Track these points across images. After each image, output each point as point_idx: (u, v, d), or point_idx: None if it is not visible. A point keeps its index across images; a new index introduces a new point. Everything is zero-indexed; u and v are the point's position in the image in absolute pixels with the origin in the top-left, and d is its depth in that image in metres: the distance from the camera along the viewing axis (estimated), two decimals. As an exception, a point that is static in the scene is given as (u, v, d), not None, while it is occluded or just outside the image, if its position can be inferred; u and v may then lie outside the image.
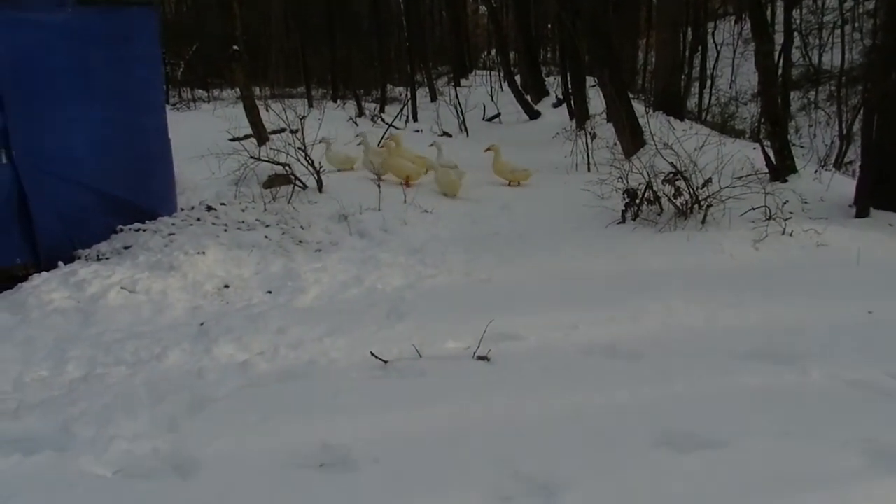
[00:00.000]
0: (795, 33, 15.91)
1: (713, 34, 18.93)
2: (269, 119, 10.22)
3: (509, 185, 8.95)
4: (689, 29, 16.86)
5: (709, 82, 17.56)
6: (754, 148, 8.41)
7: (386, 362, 3.88)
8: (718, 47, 18.22)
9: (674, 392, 3.44)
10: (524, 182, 8.99)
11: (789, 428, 3.03)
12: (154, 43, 6.54)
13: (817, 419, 3.13)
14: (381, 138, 10.58)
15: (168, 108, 7.78)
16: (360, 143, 9.06)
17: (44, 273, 5.27)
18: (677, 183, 6.73)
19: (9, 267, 5.29)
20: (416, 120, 16.98)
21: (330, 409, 3.38)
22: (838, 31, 17.47)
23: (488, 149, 9.13)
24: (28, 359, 4.08)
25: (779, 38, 13.58)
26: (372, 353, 3.93)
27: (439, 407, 3.39)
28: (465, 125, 15.34)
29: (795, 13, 16.06)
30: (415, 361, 3.91)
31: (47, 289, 4.96)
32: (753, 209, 6.45)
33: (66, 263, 5.51)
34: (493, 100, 18.48)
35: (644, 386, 3.50)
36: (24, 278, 5.20)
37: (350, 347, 4.15)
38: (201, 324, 4.63)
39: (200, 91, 20.61)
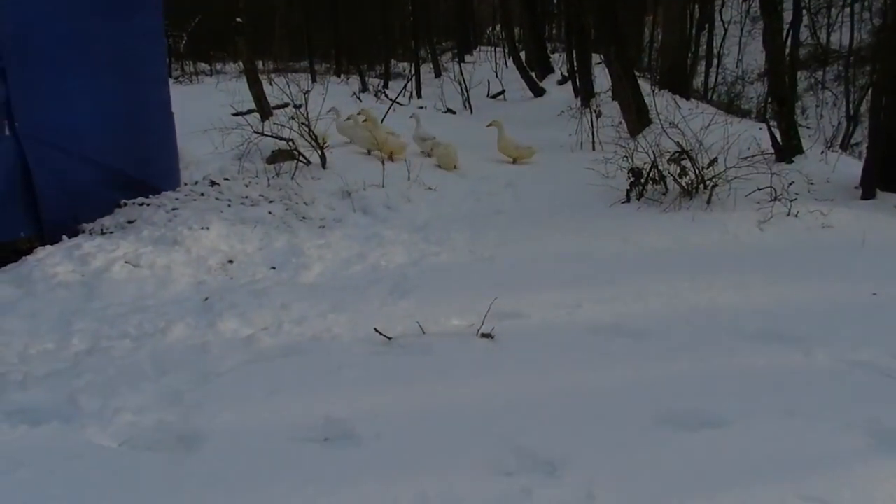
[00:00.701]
0: (804, 11, 15.74)
1: (720, 11, 18.74)
2: (273, 93, 10.16)
3: (513, 162, 8.91)
4: (697, 6, 16.70)
5: (715, 61, 17.42)
6: (760, 128, 8.34)
7: (389, 339, 3.89)
8: (726, 25, 18.05)
9: (678, 371, 3.45)
10: (528, 160, 8.94)
11: (793, 408, 3.04)
12: (157, 14, 6.48)
13: (821, 400, 3.13)
14: (385, 114, 10.52)
15: (171, 81, 7.71)
16: (329, 111, 8.94)
17: (48, 247, 5.26)
18: (683, 162, 6.69)
19: (13, 240, 5.28)
20: (419, 96, 16.88)
21: (333, 385, 3.40)
22: (847, 10, 17.28)
23: (490, 125, 9.07)
24: (33, 331, 4.09)
25: (787, 17, 13.45)
26: (376, 330, 3.94)
27: (442, 383, 3.40)
28: (469, 102, 15.24)
29: (805, -9, 15.88)
30: (418, 338, 3.92)
31: (52, 262, 4.95)
32: (759, 190, 6.42)
33: (69, 237, 5.50)
34: (497, 76, 18.34)
35: (648, 365, 3.51)
36: (29, 252, 5.19)
37: (353, 324, 4.16)
38: (205, 298, 4.64)
39: (203, 64, 20.48)
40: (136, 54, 6.21)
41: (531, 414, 3.07)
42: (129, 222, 5.86)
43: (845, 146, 11.22)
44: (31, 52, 5.30)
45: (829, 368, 3.46)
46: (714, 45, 17.60)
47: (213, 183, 6.94)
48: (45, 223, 5.48)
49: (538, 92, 16.03)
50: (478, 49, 27.92)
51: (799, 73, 15.22)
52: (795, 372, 3.44)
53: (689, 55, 14.92)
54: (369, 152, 8.52)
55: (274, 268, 5.34)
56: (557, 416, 3.05)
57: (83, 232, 5.71)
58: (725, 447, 2.78)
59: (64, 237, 5.47)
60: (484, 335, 3.93)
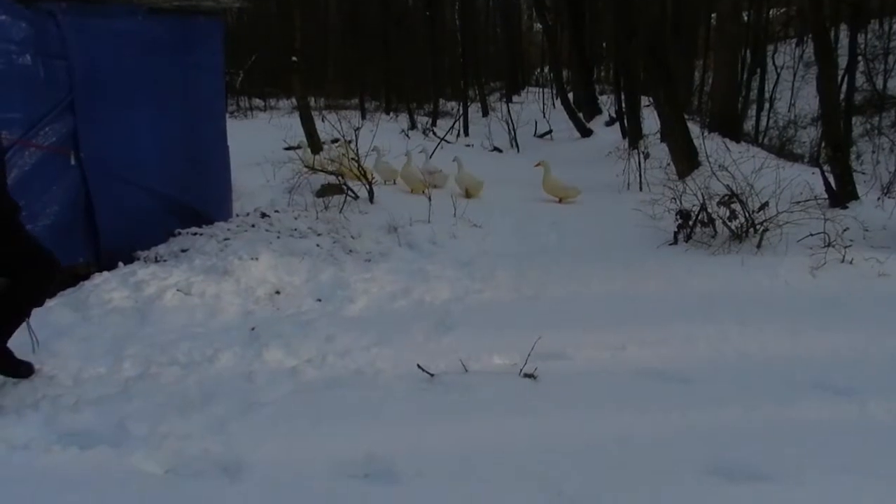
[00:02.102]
0: (860, 57, 15.50)
1: (773, 57, 18.57)
2: (324, 129, 10.41)
3: (559, 202, 8.92)
4: (748, 51, 16.61)
5: (767, 105, 17.23)
6: (813, 173, 8.19)
7: (432, 375, 3.89)
8: (778, 70, 17.86)
9: (726, 420, 3.36)
10: (573, 200, 8.95)
11: (847, 464, 2.93)
12: (218, 52, 6.73)
13: (878, 456, 3.01)
14: (433, 151, 10.67)
15: (226, 116, 7.99)
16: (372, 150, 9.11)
17: (104, 272, 5.43)
18: (732, 206, 6.60)
19: (72, 265, 5.46)
20: (467, 134, 17.09)
21: (376, 419, 3.40)
22: (905, 56, 16.99)
23: (538, 164, 9.13)
24: (87, 355, 4.20)
25: (842, 62, 13.27)
26: (419, 366, 3.94)
27: (484, 423, 3.37)
28: (516, 141, 15.37)
29: (860, 37, 15.65)
30: (461, 375, 3.91)
31: (107, 288, 5.11)
32: (812, 235, 6.28)
33: (125, 264, 5.67)
34: (545, 116, 18.46)
35: (695, 412, 3.43)
36: (86, 277, 5.37)
37: (397, 358, 4.17)
38: (252, 328, 4.71)
39: (257, 100, 21.10)
40: (197, 90, 6.45)
41: (574, 459, 3.02)
42: (183, 251, 6.03)
43: (903, 193, 10.90)
44: (99, 85, 5.54)
45: (885, 424, 3.33)
46: (766, 89, 17.43)
47: (263, 215, 7.11)
48: (102, 250, 5.67)
49: (585, 132, 16.08)
50: (526, 90, 28.23)
51: (854, 119, 14.93)
52: (850, 426, 3.32)
53: (740, 98, 14.80)
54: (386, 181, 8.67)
55: (320, 300, 5.41)
56: (601, 463, 2.99)
57: (138, 259, 5.88)
58: (775, 502, 2.69)
59: (120, 264, 5.65)
60: (527, 375, 3.90)
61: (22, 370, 3.77)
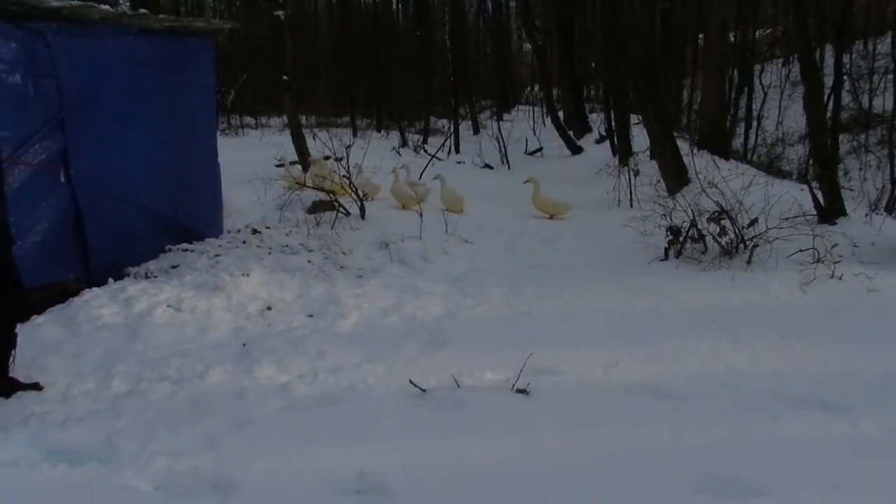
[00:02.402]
0: (845, 77, 15.70)
1: (760, 76, 18.78)
2: (315, 147, 10.43)
3: (550, 218, 8.95)
4: (736, 70, 16.78)
5: (755, 123, 17.39)
6: (802, 189, 8.26)
7: (424, 391, 3.88)
8: (765, 89, 18.05)
9: (718, 436, 3.36)
10: (563, 216, 8.99)
11: (839, 480, 2.93)
12: (209, 71, 6.76)
13: (869, 473, 3.02)
14: (423, 170, 10.69)
15: (217, 133, 7.99)
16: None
17: (94, 289, 5.40)
18: (722, 222, 6.64)
19: (62, 282, 5.43)
20: (458, 152, 17.14)
21: (368, 436, 3.39)
22: (890, 77, 17.20)
23: (527, 181, 9.18)
24: (76, 372, 4.17)
25: (828, 82, 13.43)
26: (411, 382, 3.93)
27: (476, 439, 3.36)
28: (507, 158, 15.42)
29: (845, 57, 15.87)
30: (453, 391, 3.90)
31: (97, 304, 5.08)
32: (801, 251, 6.32)
33: (115, 280, 5.65)
34: (535, 134, 18.56)
35: (687, 428, 3.43)
36: (76, 293, 5.34)
37: (388, 374, 4.16)
38: (243, 344, 4.69)
39: (248, 118, 21.12)
40: (188, 108, 6.47)
41: (566, 475, 3.01)
42: (173, 267, 6.00)
43: (890, 209, 11.00)
44: (89, 104, 5.55)
45: (877, 439, 3.34)
46: (754, 107, 17.59)
47: (254, 231, 7.09)
48: (92, 266, 5.65)
49: (576, 150, 16.17)
50: (516, 108, 28.37)
51: (841, 136, 15.08)
52: (841, 442, 3.33)
53: (729, 117, 14.93)
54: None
55: (311, 315, 5.39)
56: (593, 479, 2.98)
57: (128, 275, 5.85)
58: (769, 516, 2.69)
59: (110, 280, 5.63)
60: (519, 391, 3.90)
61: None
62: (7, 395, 3.71)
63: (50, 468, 3.00)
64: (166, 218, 6.35)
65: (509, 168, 14.97)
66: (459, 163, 15.03)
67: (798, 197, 7.63)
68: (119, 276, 5.76)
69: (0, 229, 3.77)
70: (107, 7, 5.80)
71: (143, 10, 6.17)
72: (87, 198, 5.56)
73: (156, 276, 5.83)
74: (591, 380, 4.10)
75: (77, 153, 5.49)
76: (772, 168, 13.45)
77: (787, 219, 6.85)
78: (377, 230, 7.37)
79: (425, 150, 15.73)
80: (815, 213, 7.39)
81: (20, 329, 4.66)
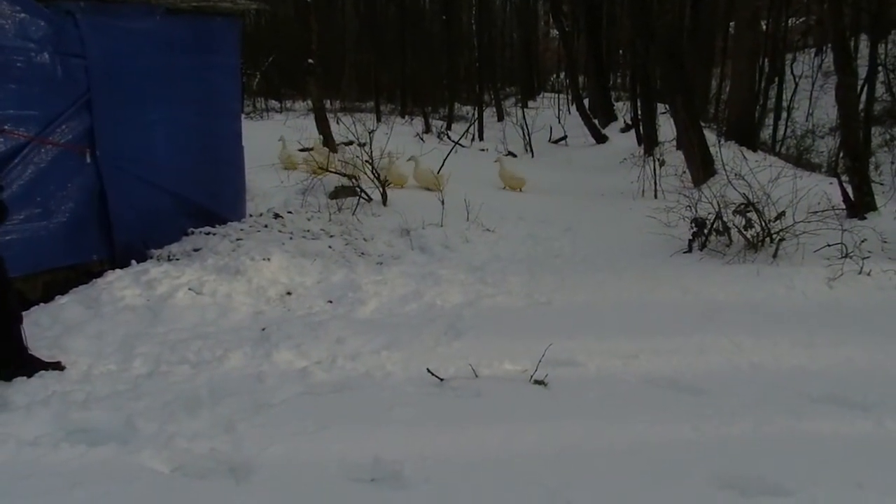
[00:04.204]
0: (880, 67, 15.32)
1: (792, 66, 18.42)
2: (339, 131, 10.42)
3: (517, 190, 9.91)
4: (766, 60, 16.48)
5: (784, 114, 17.08)
6: (831, 183, 8.10)
7: (442, 380, 3.87)
8: (797, 79, 17.71)
9: (739, 432, 3.30)
10: (522, 188, 9.96)
11: (862, 480, 2.87)
12: (234, 53, 6.76)
13: (892, 471, 2.95)
14: (447, 156, 10.64)
15: (242, 117, 8.02)
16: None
17: (117, 270, 5.45)
18: (748, 214, 6.54)
19: (86, 263, 5.49)
20: (481, 139, 17.07)
21: (384, 423, 3.38)
22: (926, 68, 16.75)
23: (497, 161, 10.34)
24: (98, 352, 4.22)
25: (861, 72, 13.12)
26: (428, 370, 3.92)
27: (493, 429, 3.34)
28: (530, 146, 15.34)
29: (881, 47, 15.48)
30: (470, 381, 3.88)
31: (120, 286, 5.13)
32: (829, 245, 6.20)
33: (138, 262, 5.69)
34: (560, 122, 18.42)
35: (707, 423, 3.38)
36: (100, 274, 5.39)
37: (406, 362, 4.16)
38: (263, 329, 4.71)
39: (273, 101, 21.19)
40: (213, 90, 6.47)
41: (583, 468, 2.98)
42: (195, 250, 6.04)
43: (922, 205, 10.75)
44: (116, 85, 5.57)
45: (902, 439, 3.27)
46: (784, 98, 17.27)
47: (276, 216, 7.12)
48: (116, 247, 5.69)
49: (601, 139, 16.03)
50: (541, 95, 28.19)
51: (873, 129, 14.75)
52: (865, 441, 3.26)
53: (758, 107, 14.67)
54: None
55: (331, 301, 5.40)
56: (610, 472, 2.95)
57: (151, 257, 5.90)
58: (789, 516, 2.64)
59: (133, 262, 5.67)
60: (537, 382, 3.87)
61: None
62: (30, 374, 3.76)
63: (70, 447, 3.03)
64: (189, 200, 6.38)
65: (533, 156, 14.89)
66: (483, 150, 14.95)
67: (827, 190, 7.49)
68: (142, 258, 5.81)
69: None
70: (135, -13, 5.81)
71: (170, -9, 6.16)
72: (112, 179, 5.60)
73: (178, 259, 5.87)
74: (611, 372, 4.06)
75: (103, 133, 5.52)
76: (801, 160, 13.20)
77: (816, 212, 6.74)
78: (398, 217, 7.36)
79: (449, 137, 15.67)
80: (844, 207, 7.25)
81: (43, 309, 4.76)
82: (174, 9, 6.04)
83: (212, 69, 6.44)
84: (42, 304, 4.90)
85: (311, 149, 10.19)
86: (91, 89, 5.41)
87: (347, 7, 30.83)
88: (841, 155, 10.23)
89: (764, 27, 16.03)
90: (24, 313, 4.05)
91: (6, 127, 4.82)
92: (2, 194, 3.90)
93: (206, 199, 6.54)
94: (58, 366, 3.89)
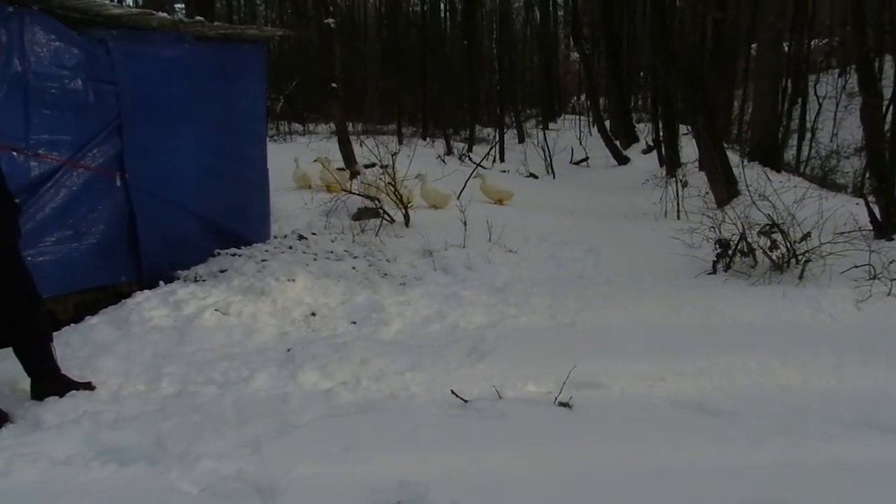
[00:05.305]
0: (905, 87, 15.21)
1: (815, 87, 18.32)
2: (362, 154, 10.54)
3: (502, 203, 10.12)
4: (789, 81, 16.42)
5: (808, 135, 16.96)
6: (857, 203, 8.03)
7: (466, 401, 3.87)
8: (820, 100, 17.60)
9: (767, 457, 3.26)
10: (508, 202, 10.21)
11: (895, 505, 2.82)
12: (260, 78, 6.89)
13: (928, 499, 2.90)
14: (469, 177, 10.71)
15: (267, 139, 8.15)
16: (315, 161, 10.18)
17: (146, 291, 5.53)
18: (773, 235, 6.48)
19: (115, 284, 5.58)
20: (502, 160, 17.14)
21: (409, 445, 3.39)
22: (953, 86, 16.58)
23: (477, 176, 10.53)
24: (127, 372, 4.28)
25: (886, 93, 13.03)
26: (452, 392, 3.92)
27: (518, 451, 3.33)
28: (552, 167, 15.36)
29: (905, 66, 15.40)
30: (495, 402, 3.88)
31: (148, 306, 5.21)
32: (856, 267, 6.12)
33: (166, 283, 5.78)
34: (581, 144, 18.44)
35: (735, 446, 3.34)
36: (128, 295, 5.48)
37: (430, 383, 4.16)
38: (288, 349, 4.75)
39: (297, 124, 21.47)
40: (239, 115, 6.60)
41: (608, 491, 2.96)
42: (222, 271, 6.12)
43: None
44: (145, 110, 5.70)
45: (936, 465, 3.21)
46: (808, 118, 17.16)
47: (301, 237, 7.20)
48: (144, 269, 5.78)
49: (622, 160, 16.02)
50: (562, 117, 28.27)
51: (899, 149, 14.60)
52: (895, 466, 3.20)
53: (781, 128, 14.59)
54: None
55: (354, 322, 5.43)
56: (635, 496, 2.93)
57: (178, 278, 5.99)
58: (820, 543, 2.60)
59: (161, 283, 5.76)
60: (562, 404, 3.85)
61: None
62: (61, 393, 3.82)
63: (101, 467, 3.07)
64: (215, 222, 6.48)
65: (554, 177, 14.91)
66: (504, 171, 15.00)
67: (853, 211, 7.41)
68: (169, 279, 5.90)
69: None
70: (164, 15, 5.96)
71: (198, 18, 6.32)
72: (141, 201, 5.71)
73: (204, 280, 5.95)
74: (636, 394, 4.03)
75: (133, 157, 5.63)
76: (826, 181, 13.08)
77: (842, 233, 6.66)
78: (421, 238, 7.40)
79: (470, 159, 15.75)
80: (871, 227, 7.16)
81: (74, 329, 4.84)
82: (202, 36, 6.18)
83: (238, 94, 6.57)
84: (73, 325, 4.99)
85: (343, 168, 10.40)
86: (121, 114, 5.54)
87: (370, 32, 31.30)
88: (867, 175, 10.14)
89: (786, 48, 15.99)
90: (55, 333, 4.12)
91: (40, 151, 4.94)
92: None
93: (232, 220, 6.64)
94: (88, 386, 3.96)
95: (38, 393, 3.82)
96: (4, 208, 3.72)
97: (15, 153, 4.69)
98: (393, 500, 2.90)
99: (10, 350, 3.85)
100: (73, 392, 3.86)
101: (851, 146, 17.02)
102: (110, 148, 5.50)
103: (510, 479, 3.07)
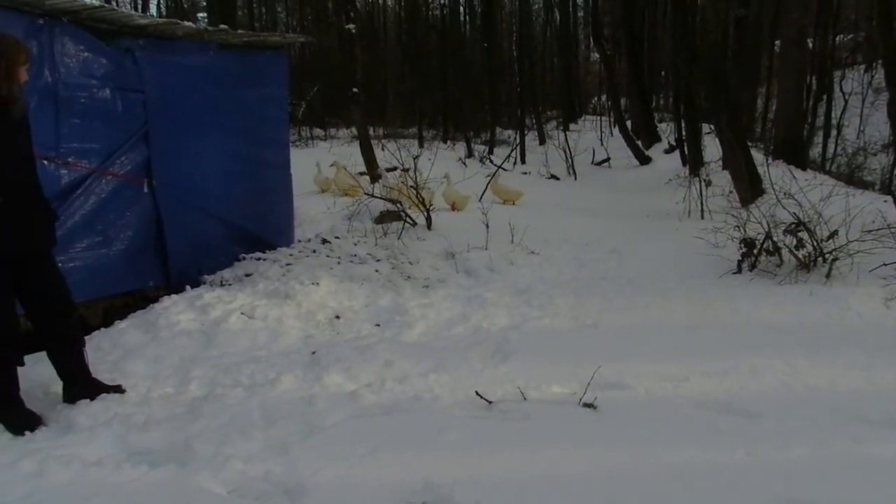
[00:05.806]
0: (933, 81, 14.92)
1: (840, 83, 18.06)
2: (383, 157, 10.60)
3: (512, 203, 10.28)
4: (814, 77, 16.21)
5: (834, 132, 16.72)
6: (885, 201, 7.91)
7: (490, 403, 3.88)
8: (846, 96, 17.35)
9: (795, 457, 3.23)
10: (517, 201, 10.36)
11: (927, 506, 2.79)
12: (282, 84, 6.97)
13: (960, 499, 2.86)
14: (490, 179, 10.73)
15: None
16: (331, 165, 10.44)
17: (173, 296, 5.62)
18: (800, 234, 6.41)
19: (143, 289, 5.68)
20: (524, 162, 17.14)
21: (433, 446, 3.40)
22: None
23: (488, 175, 10.89)
24: (156, 375, 4.35)
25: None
26: (477, 393, 3.94)
27: (543, 452, 3.33)
28: (573, 168, 15.32)
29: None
30: (519, 404, 3.88)
31: (175, 311, 5.29)
32: (885, 265, 6.03)
33: (192, 288, 5.86)
34: (602, 144, 18.36)
35: (762, 447, 3.32)
36: (156, 300, 5.57)
37: (454, 385, 4.17)
38: (313, 352, 4.79)
39: (318, 129, 21.64)
40: (262, 120, 6.69)
41: (634, 492, 2.96)
42: (247, 275, 6.20)
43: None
44: (171, 117, 5.79)
45: (969, 465, 3.16)
46: (833, 115, 16.93)
47: (324, 241, 7.26)
48: (171, 274, 5.88)
49: (644, 160, 15.92)
50: (583, 118, 28.16)
51: (929, 145, 14.34)
52: (930, 466, 3.16)
53: (806, 125, 14.41)
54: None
55: (378, 325, 5.47)
56: (661, 497, 2.92)
57: (205, 283, 6.07)
58: (850, 544, 2.58)
59: (187, 287, 5.84)
60: (586, 405, 3.85)
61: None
62: (92, 397, 3.89)
63: (132, 468, 3.13)
64: (240, 227, 6.56)
65: (576, 179, 14.86)
66: (525, 173, 14.99)
67: (881, 208, 7.30)
68: (195, 284, 5.98)
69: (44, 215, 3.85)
70: (189, 23, 6.06)
71: (222, 26, 6.41)
72: (167, 207, 5.80)
73: (230, 284, 6.03)
74: (661, 395, 4.01)
75: (159, 164, 5.73)
76: (853, 178, 12.89)
77: (870, 231, 6.57)
78: (443, 240, 7.42)
79: (491, 161, 15.77)
80: (900, 225, 7.05)
81: (104, 334, 4.93)
82: (226, 44, 6.27)
83: (261, 100, 6.65)
84: (103, 329, 5.08)
85: (364, 173, 10.50)
86: (148, 122, 5.63)
87: (390, 37, 31.44)
88: (895, 172, 9.99)
89: (810, 45, 15.80)
90: (86, 338, 4.20)
91: (70, 160, 5.05)
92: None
93: (256, 225, 6.72)
94: (119, 389, 4.03)
95: (71, 396, 3.89)
96: (42, 212, 3.81)
97: (46, 162, 4.79)
98: (418, 500, 2.92)
99: (43, 354, 3.93)
100: (104, 395, 3.93)
101: (878, 142, 16.74)
102: (138, 155, 5.60)
103: (535, 481, 3.07)
